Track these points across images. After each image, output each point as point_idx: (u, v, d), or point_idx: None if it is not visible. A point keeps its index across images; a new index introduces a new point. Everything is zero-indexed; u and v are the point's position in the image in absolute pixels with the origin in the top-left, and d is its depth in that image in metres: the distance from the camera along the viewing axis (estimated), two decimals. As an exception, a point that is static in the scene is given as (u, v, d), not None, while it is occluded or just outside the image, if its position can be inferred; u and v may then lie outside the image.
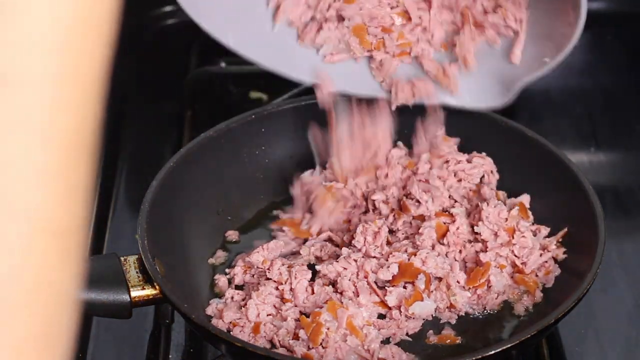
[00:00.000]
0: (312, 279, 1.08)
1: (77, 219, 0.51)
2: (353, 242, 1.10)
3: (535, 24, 1.12)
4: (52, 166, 0.50)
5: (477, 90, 1.15)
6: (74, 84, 0.50)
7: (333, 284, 1.07)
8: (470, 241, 1.11)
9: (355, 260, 1.07)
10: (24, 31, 0.48)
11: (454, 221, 1.11)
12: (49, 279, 0.50)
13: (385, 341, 1.04)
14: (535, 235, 1.11)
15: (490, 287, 1.08)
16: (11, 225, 0.48)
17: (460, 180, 1.16)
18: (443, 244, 1.10)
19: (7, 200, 0.48)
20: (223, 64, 1.50)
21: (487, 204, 1.11)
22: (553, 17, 1.09)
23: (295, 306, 1.05)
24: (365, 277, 1.06)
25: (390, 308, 1.05)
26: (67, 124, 0.50)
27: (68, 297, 0.51)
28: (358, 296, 1.05)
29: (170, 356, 1.11)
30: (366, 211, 1.17)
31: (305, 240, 1.15)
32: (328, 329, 1.01)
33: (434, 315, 1.07)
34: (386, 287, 1.06)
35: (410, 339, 1.05)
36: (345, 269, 1.07)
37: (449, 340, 1.04)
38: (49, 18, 0.49)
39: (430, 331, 1.05)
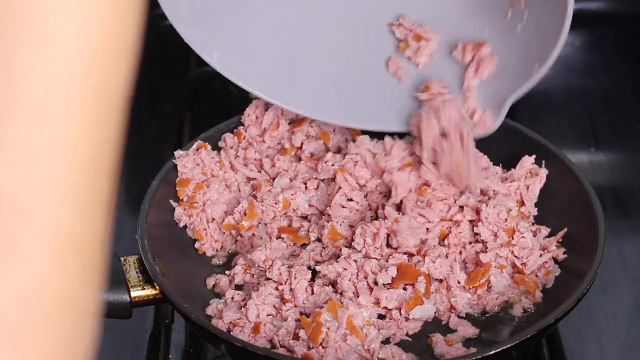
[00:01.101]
0: (312, 280, 1.08)
1: (98, 235, 0.52)
2: (353, 243, 1.10)
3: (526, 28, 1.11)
4: (76, 184, 0.50)
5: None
6: (98, 105, 0.51)
7: (333, 284, 1.07)
8: (470, 242, 1.11)
9: (355, 261, 1.07)
10: (49, 54, 0.49)
11: (457, 225, 1.10)
12: (71, 295, 0.51)
13: (385, 341, 1.04)
14: (535, 235, 1.11)
15: (490, 287, 1.07)
16: (35, 242, 0.49)
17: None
18: (443, 245, 1.10)
19: (32, 217, 0.49)
20: (223, 64, 1.50)
21: (487, 204, 1.11)
22: (541, 20, 1.08)
23: (295, 306, 1.05)
24: (365, 277, 1.06)
25: (390, 309, 1.05)
26: (91, 143, 0.51)
27: (89, 311, 0.52)
28: (358, 297, 1.05)
29: (170, 356, 1.11)
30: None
31: (304, 245, 1.15)
32: (328, 328, 1.01)
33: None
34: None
35: (410, 339, 1.05)
36: (345, 269, 1.07)
37: (450, 342, 1.04)
38: (73, 42, 0.50)
39: (432, 332, 1.05)
